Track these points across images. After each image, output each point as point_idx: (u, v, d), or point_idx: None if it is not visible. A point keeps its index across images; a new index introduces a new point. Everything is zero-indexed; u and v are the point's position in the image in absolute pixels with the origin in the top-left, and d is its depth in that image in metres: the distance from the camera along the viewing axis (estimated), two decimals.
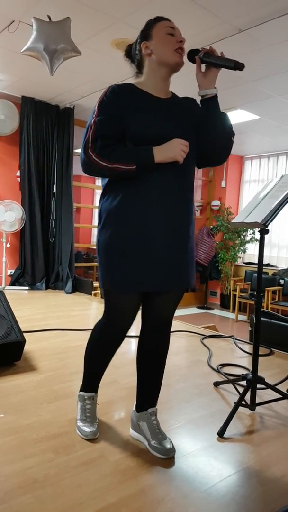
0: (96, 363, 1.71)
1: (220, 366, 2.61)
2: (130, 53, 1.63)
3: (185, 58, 1.55)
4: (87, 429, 1.68)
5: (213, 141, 1.55)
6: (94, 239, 9.67)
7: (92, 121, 1.45)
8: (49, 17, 3.00)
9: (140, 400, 1.69)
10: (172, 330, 3.32)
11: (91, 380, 1.75)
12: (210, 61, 1.50)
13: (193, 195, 1.59)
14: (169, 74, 1.55)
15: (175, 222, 1.50)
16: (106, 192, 1.54)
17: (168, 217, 1.48)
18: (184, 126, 1.53)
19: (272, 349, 3.06)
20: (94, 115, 1.46)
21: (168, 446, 1.59)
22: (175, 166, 1.46)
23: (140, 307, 1.63)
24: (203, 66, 1.54)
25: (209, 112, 1.54)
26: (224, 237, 7.35)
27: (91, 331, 1.70)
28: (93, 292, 5.17)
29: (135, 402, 1.73)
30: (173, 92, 1.63)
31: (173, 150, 1.42)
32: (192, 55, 1.53)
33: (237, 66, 1.43)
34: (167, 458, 1.57)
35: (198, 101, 1.61)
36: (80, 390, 1.78)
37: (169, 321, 1.66)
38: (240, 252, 7.41)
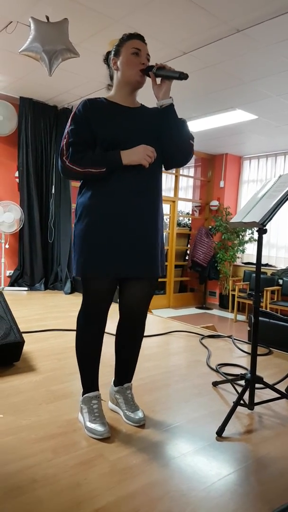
0: (89, 356, 1.76)
1: (218, 366, 2.62)
2: (108, 59, 1.78)
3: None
4: (100, 428, 1.68)
5: (173, 146, 1.69)
6: None
7: (66, 131, 1.63)
8: (47, 18, 3.00)
9: (118, 376, 1.90)
10: (171, 330, 3.37)
11: (91, 378, 1.78)
12: (161, 74, 1.67)
13: (161, 193, 1.75)
14: (133, 90, 1.72)
15: (144, 216, 1.66)
16: (82, 189, 1.70)
17: (137, 211, 1.64)
18: (148, 132, 1.67)
19: (271, 349, 3.07)
20: (68, 126, 1.63)
21: (140, 415, 1.81)
22: (143, 168, 1.61)
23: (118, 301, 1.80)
24: (158, 80, 1.69)
25: (166, 120, 1.68)
26: (223, 237, 7.36)
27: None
28: None
29: (113, 378, 1.93)
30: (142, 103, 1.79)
31: (138, 155, 1.58)
32: (147, 71, 1.69)
33: (181, 76, 1.61)
34: (138, 426, 1.78)
35: None
36: (84, 394, 1.78)
37: (143, 311, 1.80)
38: (238, 252, 7.42)
